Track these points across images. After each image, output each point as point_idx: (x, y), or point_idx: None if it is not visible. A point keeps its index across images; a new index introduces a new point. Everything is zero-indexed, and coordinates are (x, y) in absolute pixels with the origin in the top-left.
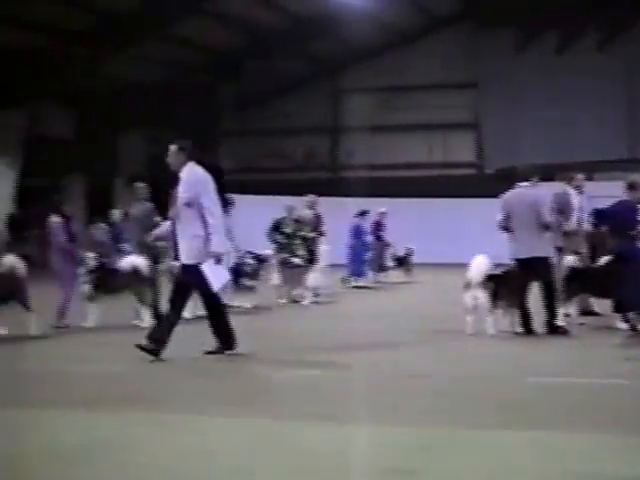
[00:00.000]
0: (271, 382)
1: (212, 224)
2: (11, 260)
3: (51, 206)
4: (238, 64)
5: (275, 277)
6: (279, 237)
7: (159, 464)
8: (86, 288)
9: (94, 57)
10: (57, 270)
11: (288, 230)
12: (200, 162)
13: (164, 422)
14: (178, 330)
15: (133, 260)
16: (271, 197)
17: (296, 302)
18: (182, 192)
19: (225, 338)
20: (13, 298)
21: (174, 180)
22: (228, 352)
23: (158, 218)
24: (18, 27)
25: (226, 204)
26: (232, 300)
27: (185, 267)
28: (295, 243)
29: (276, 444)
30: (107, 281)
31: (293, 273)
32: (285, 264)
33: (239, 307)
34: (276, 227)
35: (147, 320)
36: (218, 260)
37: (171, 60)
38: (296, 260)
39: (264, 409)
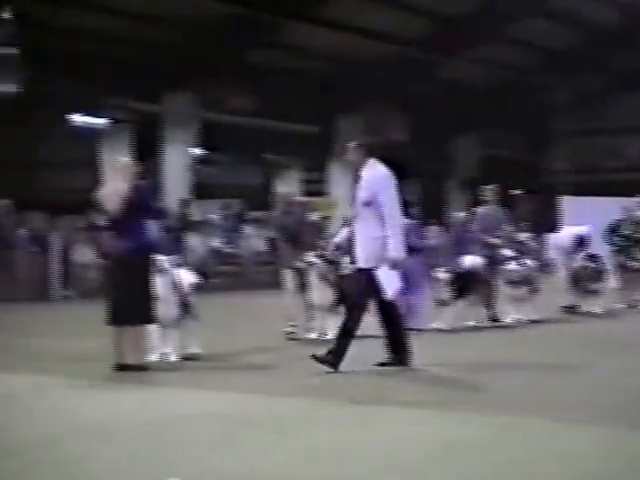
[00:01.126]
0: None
1: (390, 225)
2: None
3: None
4: (574, 63)
5: (614, 280)
6: (617, 239)
7: None
8: (444, 292)
9: (430, 61)
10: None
11: (627, 232)
12: (384, 159)
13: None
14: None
15: (473, 260)
16: (608, 198)
17: (633, 307)
18: (361, 191)
19: (398, 350)
20: None
21: (356, 179)
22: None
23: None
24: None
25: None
26: (579, 304)
27: (360, 271)
28: (634, 246)
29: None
30: (459, 284)
31: (633, 277)
32: (624, 267)
33: (587, 311)
34: (614, 229)
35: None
36: (394, 265)
37: (506, 62)
38: (635, 264)
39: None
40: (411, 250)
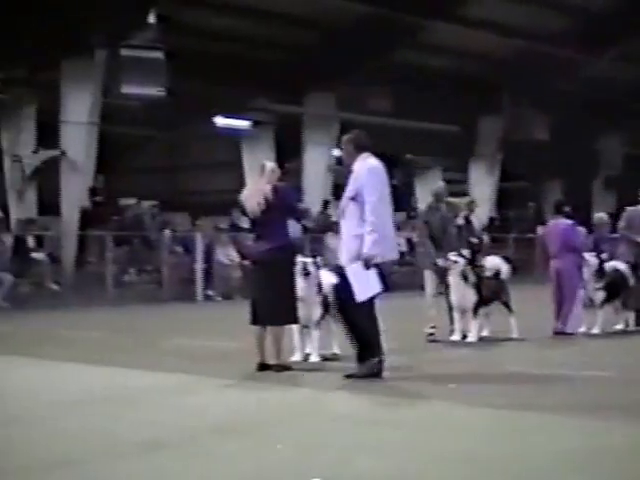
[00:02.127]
0: None
1: (370, 222)
2: (496, 262)
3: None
4: None
5: None
6: None
7: None
8: (598, 294)
9: (573, 59)
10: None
11: None
12: (378, 154)
13: None
14: None
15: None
16: None
17: None
18: (349, 185)
19: (363, 358)
20: (496, 300)
21: (347, 174)
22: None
23: None
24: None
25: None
26: None
27: (340, 269)
28: None
29: None
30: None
31: None
32: None
33: None
34: None
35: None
36: (367, 265)
37: None
38: None
39: None
40: (570, 249)
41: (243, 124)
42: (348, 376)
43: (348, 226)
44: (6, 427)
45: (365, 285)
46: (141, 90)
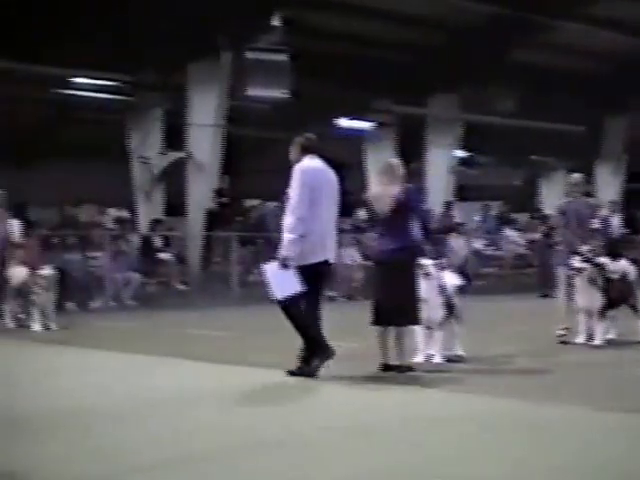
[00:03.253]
0: None
1: (288, 222)
2: (623, 265)
3: None
4: None
5: None
6: None
7: None
8: None
9: None
10: None
11: None
12: (324, 157)
13: None
14: None
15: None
16: None
17: None
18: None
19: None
20: (624, 302)
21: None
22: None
23: None
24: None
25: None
26: None
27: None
28: None
29: None
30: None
31: None
32: None
33: None
34: None
35: None
36: (284, 265)
37: None
38: None
39: None
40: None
41: (366, 125)
42: (290, 372)
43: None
44: (147, 420)
45: (281, 284)
46: (266, 92)
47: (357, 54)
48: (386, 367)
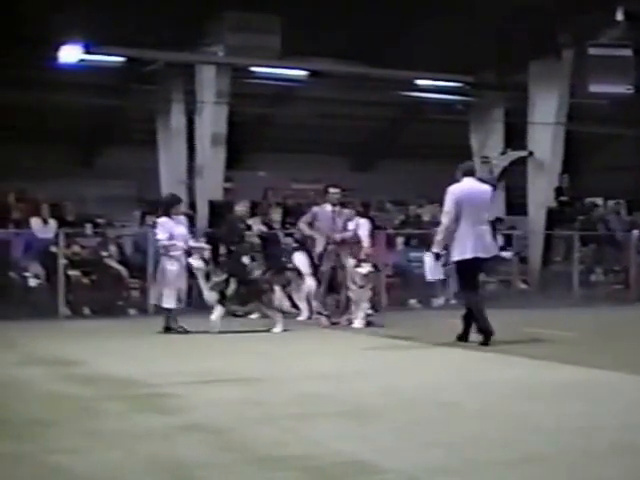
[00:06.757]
0: None
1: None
2: None
3: None
4: None
5: None
6: None
7: None
8: None
9: None
10: None
11: None
12: None
13: None
14: None
15: None
16: None
17: None
18: None
19: None
20: None
21: None
22: None
23: None
24: None
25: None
26: None
27: None
28: None
29: None
30: None
31: None
32: None
33: None
34: None
35: None
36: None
37: None
38: None
39: None
40: None
41: None
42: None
43: None
44: (483, 419)
45: (432, 271)
46: (609, 88)
47: None
48: None
